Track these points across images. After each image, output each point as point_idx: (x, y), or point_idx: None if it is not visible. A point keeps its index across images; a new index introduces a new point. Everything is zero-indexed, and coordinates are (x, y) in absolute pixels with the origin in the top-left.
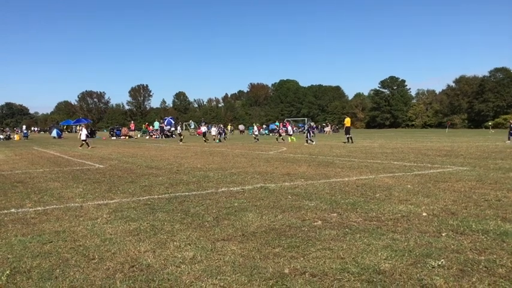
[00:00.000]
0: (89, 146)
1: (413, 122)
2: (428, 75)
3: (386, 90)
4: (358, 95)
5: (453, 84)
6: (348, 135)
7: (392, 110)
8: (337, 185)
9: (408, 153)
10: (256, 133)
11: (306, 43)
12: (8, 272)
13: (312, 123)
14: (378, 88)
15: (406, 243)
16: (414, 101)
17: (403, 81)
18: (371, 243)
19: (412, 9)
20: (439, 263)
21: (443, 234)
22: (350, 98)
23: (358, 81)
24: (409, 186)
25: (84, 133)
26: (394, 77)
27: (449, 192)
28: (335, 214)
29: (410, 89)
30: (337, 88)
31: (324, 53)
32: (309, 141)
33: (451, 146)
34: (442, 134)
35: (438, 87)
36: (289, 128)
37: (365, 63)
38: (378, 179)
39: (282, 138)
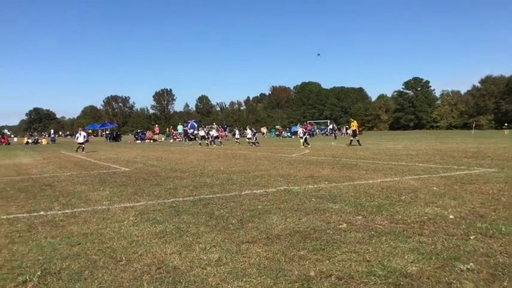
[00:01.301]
0: (83, 150)
1: (438, 124)
2: (453, 76)
3: (410, 92)
4: (381, 97)
5: (479, 85)
6: (354, 138)
7: (416, 111)
8: (362, 188)
9: (433, 154)
10: (249, 136)
11: (328, 45)
12: (39, 273)
13: (332, 126)
14: (401, 89)
15: (433, 246)
16: (439, 102)
17: (427, 82)
18: (397, 246)
19: (436, 9)
20: (468, 267)
21: (471, 237)
22: (373, 99)
23: (382, 83)
24: (435, 188)
25: (82, 136)
26: (418, 78)
27: (476, 194)
28: (360, 217)
29: (434, 90)
30: (360, 90)
31: (347, 55)
32: (304, 143)
33: (478, 148)
34: (467, 135)
35: (463, 88)
36: (300, 130)
37: (388, 65)
38: (403, 181)
39: (258, 142)
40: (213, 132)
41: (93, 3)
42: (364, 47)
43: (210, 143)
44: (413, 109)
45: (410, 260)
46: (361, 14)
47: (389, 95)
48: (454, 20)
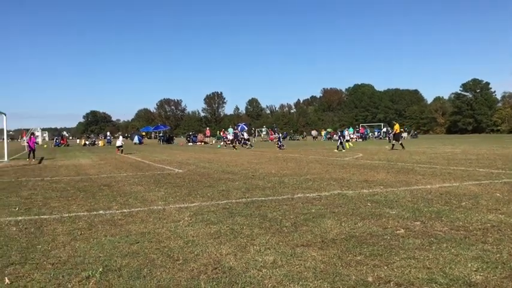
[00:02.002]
0: (122, 152)
1: (499, 127)
2: None
3: (468, 94)
4: (437, 99)
5: None
6: (397, 141)
7: (475, 114)
8: (419, 193)
9: (495, 159)
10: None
11: (381, 45)
12: (100, 270)
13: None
14: (459, 91)
15: (498, 255)
16: (500, 104)
17: (487, 83)
18: (459, 253)
19: (493, 6)
20: None
21: None
22: (429, 102)
23: (438, 85)
24: (498, 194)
25: (120, 140)
26: (477, 79)
27: None
28: (418, 222)
29: (495, 91)
30: (415, 92)
31: (401, 56)
32: (339, 147)
33: None
34: None
35: None
36: (346, 133)
37: (445, 65)
38: (463, 186)
39: (283, 145)
40: (245, 135)
41: (147, 8)
42: (419, 47)
43: (241, 144)
44: (472, 112)
45: (474, 269)
46: (416, 13)
47: (446, 97)
48: None
